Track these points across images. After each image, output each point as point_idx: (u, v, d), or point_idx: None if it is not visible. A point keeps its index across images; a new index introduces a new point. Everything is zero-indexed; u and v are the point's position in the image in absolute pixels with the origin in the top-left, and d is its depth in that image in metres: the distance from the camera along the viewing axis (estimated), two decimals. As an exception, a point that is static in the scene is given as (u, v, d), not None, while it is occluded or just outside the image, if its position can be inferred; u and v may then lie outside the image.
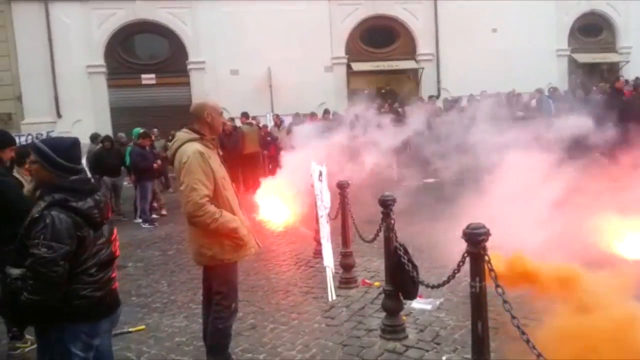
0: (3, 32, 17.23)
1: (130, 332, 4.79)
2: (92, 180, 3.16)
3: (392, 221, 4.14)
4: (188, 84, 18.66)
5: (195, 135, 3.57)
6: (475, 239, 2.78)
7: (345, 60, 19.70)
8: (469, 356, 3.73)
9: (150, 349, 4.42)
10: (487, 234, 2.78)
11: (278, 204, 9.36)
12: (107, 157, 10.77)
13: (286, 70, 18.06)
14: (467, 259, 2.90)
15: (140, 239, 8.97)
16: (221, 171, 3.60)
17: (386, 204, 4.17)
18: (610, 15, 21.14)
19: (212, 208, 3.41)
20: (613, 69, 20.80)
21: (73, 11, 17.52)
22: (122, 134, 12.57)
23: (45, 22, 17.33)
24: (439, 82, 19.92)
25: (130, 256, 7.78)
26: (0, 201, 4.27)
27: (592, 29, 21.34)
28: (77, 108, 17.59)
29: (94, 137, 12.32)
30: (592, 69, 20.37)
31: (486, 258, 2.76)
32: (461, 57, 18.85)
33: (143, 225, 9.99)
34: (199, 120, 3.62)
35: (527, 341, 2.46)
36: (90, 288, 2.63)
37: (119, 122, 17.09)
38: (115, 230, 2.89)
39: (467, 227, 2.82)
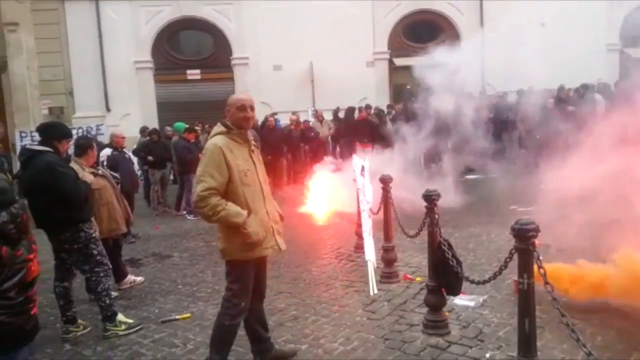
0: (56, 29, 17.91)
1: (177, 319, 4.94)
2: (14, 192, 2.77)
3: (437, 216, 4.11)
4: (232, 79, 18.93)
5: (223, 129, 3.57)
6: (524, 234, 2.74)
7: (387, 56, 19.54)
8: (513, 354, 3.70)
9: (196, 336, 4.54)
10: (536, 229, 2.74)
11: (323, 198, 9.45)
12: (155, 149, 11.10)
13: (328, 65, 18.04)
14: (515, 256, 2.86)
15: (186, 230, 9.20)
16: (244, 165, 3.50)
17: (430, 199, 4.14)
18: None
19: (214, 201, 3.33)
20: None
21: (122, 8, 18.03)
22: (168, 128, 12.90)
23: (96, 19, 17.92)
24: (483, 77, 19.48)
25: (175, 247, 8.01)
26: (59, 191, 4.47)
27: (645, 22, 20.43)
28: (125, 102, 18.12)
29: (143, 130, 12.74)
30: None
31: (535, 254, 2.71)
32: (506, 52, 18.36)
33: (188, 217, 10.24)
34: (228, 113, 3.62)
35: (577, 340, 2.41)
36: (8, 313, 2.30)
37: (165, 116, 17.55)
38: (35, 247, 2.52)
39: (516, 223, 2.78)
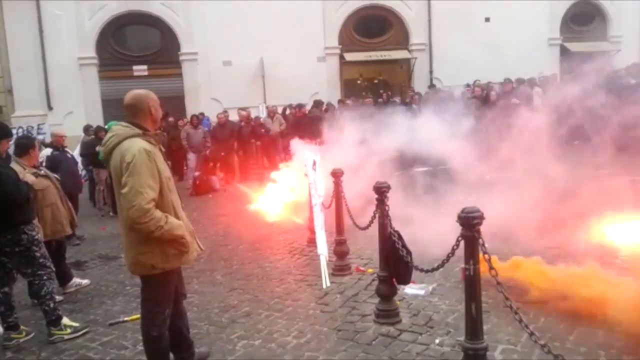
0: (-7, 26, 17.06)
1: (126, 321, 4.81)
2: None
3: (387, 208, 4.16)
4: (180, 75, 18.55)
5: (137, 131, 3.21)
6: (470, 222, 2.80)
7: (338, 51, 19.63)
8: (462, 338, 3.79)
9: (145, 337, 4.43)
10: (481, 217, 2.81)
11: (272, 194, 9.39)
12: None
13: (279, 61, 17.98)
14: (462, 243, 2.93)
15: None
16: (167, 171, 3.28)
17: (381, 191, 4.19)
18: (602, 3, 21.16)
19: (158, 214, 3.07)
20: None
21: (64, 3, 17.31)
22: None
23: (36, 13, 17.15)
24: (431, 72, 19.91)
25: (123, 247, 7.77)
26: (-2, 192, 4.28)
27: (584, 18, 21.37)
28: (69, 100, 17.45)
29: (87, 129, 12.28)
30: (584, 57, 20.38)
31: (480, 241, 2.79)
32: (455, 47, 18.83)
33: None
34: (141, 112, 3.28)
35: (520, 321, 2.50)
36: None
37: (111, 114, 16.88)
38: None
39: (462, 211, 2.85)
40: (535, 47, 19.52)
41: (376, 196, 4.27)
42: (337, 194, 5.68)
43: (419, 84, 19.02)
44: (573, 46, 20.15)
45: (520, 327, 3.68)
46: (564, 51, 20.18)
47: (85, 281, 6.07)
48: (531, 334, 2.44)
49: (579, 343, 3.59)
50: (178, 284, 3.58)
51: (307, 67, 18.57)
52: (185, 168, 13.92)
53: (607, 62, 13.79)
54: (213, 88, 18.29)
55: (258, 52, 18.07)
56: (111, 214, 9.94)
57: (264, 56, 18.15)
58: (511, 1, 19.21)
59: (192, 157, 13.01)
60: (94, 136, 11.13)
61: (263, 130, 13.98)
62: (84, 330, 4.63)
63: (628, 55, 17.87)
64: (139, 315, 4.84)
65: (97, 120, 16.20)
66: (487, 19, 19.59)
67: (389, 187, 4.26)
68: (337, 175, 5.73)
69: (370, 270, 5.54)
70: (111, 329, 4.69)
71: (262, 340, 4.16)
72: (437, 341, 3.85)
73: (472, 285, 2.87)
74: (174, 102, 16.83)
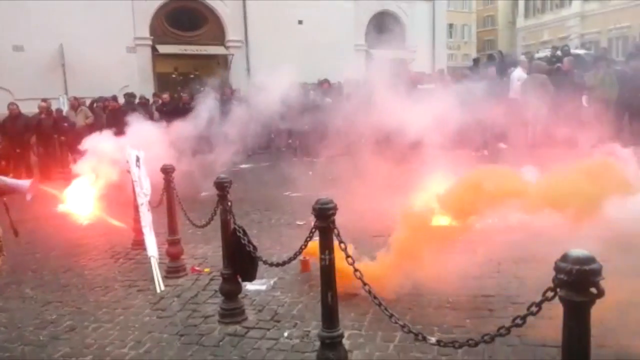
0: None
1: None
2: None
3: (229, 203, 4.04)
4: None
5: None
6: (325, 213, 2.84)
7: (149, 42, 18.61)
8: (309, 329, 3.89)
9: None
10: (335, 208, 2.87)
11: (84, 193, 8.48)
12: None
13: (82, 49, 16.38)
14: (316, 234, 2.96)
15: None
16: None
17: (222, 187, 4.04)
18: (400, 15, 23.63)
19: None
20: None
21: None
22: None
23: None
24: (248, 69, 20.05)
25: None
26: None
27: (386, 27, 23.62)
28: None
29: None
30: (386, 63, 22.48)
31: (335, 231, 2.85)
32: (270, 46, 19.22)
33: None
34: None
35: (379, 304, 2.61)
36: None
37: None
38: None
39: (317, 203, 2.87)
40: (344, 51, 20.93)
41: (217, 192, 4.12)
42: (169, 191, 5.35)
43: (237, 81, 18.99)
44: (377, 53, 22.09)
45: (363, 312, 3.98)
46: (369, 57, 22.01)
47: None
48: (391, 315, 2.57)
49: (416, 322, 3.88)
50: None
51: (115, 58, 17.25)
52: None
53: (405, 68, 15.37)
54: (2, 76, 15.89)
55: (57, 37, 16.26)
56: None
57: (63, 42, 16.36)
58: (321, 6, 20.32)
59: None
60: None
61: (66, 124, 12.58)
62: None
63: (422, 63, 20.24)
64: None
65: None
66: (300, 22, 20.43)
67: (230, 182, 4.14)
68: (167, 171, 5.39)
69: (207, 270, 5.34)
70: None
71: (94, 356, 3.70)
72: (285, 334, 3.86)
73: (327, 275, 2.91)
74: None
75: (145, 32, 18.48)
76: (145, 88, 17.07)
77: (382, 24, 23.20)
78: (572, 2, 32.79)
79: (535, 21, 37.58)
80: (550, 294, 1.66)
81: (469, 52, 48.02)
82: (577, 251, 1.54)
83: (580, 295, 1.52)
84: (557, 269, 1.56)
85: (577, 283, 1.51)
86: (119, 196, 7.31)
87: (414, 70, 15.44)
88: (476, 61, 16.52)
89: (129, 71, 17.78)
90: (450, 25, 43.02)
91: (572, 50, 15.56)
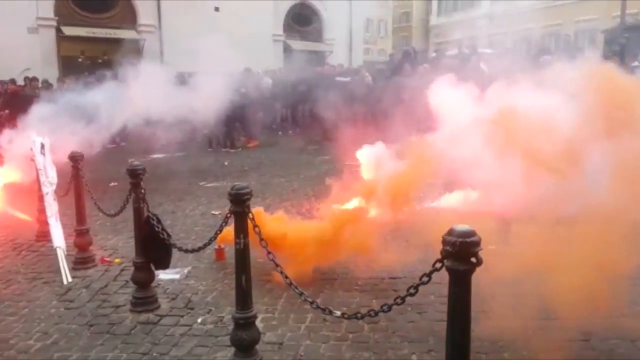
0: None
1: None
2: None
3: (143, 191, 3.99)
4: None
5: None
6: (240, 198, 2.92)
7: (54, 23, 17.52)
8: (223, 314, 3.95)
9: None
10: (250, 193, 2.96)
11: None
12: None
13: (-24, 28, 15.12)
14: (231, 219, 3.03)
15: None
16: None
17: (136, 174, 3.98)
18: (318, 8, 23.86)
19: None
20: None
21: None
22: None
23: None
24: (162, 55, 19.44)
25: None
26: None
27: (304, 19, 23.79)
28: None
29: None
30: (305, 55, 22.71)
31: (250, 215, 2.93)
32: (186, 32, 18.68)
33: None
34: None
35: (290, 284, 2.73)
36: None
37: None
38: None
39: (232, 189, 2.94)
40: (262, 42, 20.86)
41: (130, 179, 4.05)
42: (77, 179, 5.16)
43: (149, 67, 18.34)
44: (295, 44, 22.23)
45: (276, 296, 4.11)
46: (287, 48, 22.10)
47: None
48: (301, 293, 2.70)
49: (326, 304, 4.07)
50: None
51: (14, 39, 16.12)
52: None
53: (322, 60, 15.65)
54: None
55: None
56: None
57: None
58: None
59: None
60: None
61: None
62: None
63: (340, 56, 20.59)
64: None
65: None
66: (217, 9, 20.06)
67: (144, 170, 4.08)
68: (76, 159, 5.20)
69: (117, 260, 5.23)
70: None
71: (-4, 350, 3.55)
72: (199, 320, 3.89)
73: (242, 258, 2.99)
74: None
75: (49, 12, 17.37)
76: (48, 71, 16.08)
77: (300, 16, 23.35)
78: (482, 2, 34.65)
79: (447, 19, 39.38)
80: (438, 264, 1.86)
81: (385, 47, 49.36)
82: (461, 226, 1.74)
83: (463, 264, 1.74)
84: (444, 242, 1.76)
85: (460, 253, 1.72)
86: (22, 186, 6.93)
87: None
88: (392, 57, 17.11)
89: (30, 53, 16.66)
90: (367, 20, 43.97)
91: (480, 50, 16.46)
